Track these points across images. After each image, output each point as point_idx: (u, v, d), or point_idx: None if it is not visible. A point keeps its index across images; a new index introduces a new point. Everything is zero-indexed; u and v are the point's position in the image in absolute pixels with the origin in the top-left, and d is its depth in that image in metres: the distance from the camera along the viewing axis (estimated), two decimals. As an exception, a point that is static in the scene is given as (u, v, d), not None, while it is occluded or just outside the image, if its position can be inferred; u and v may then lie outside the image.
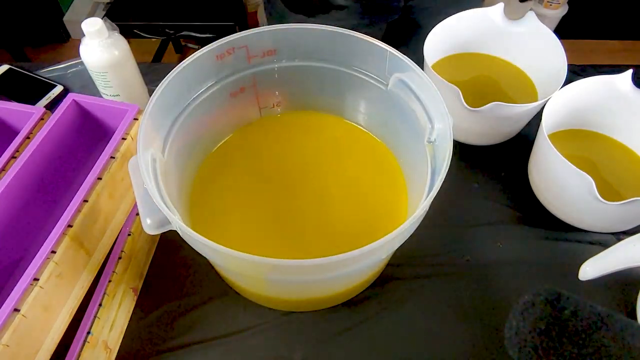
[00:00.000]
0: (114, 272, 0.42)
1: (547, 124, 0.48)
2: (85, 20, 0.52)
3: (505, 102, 0.48)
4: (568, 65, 0.52)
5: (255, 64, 0.46)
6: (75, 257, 0.38)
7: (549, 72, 0.54)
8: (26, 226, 0.43)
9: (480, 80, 0.61)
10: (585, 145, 0.56)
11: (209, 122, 0.47)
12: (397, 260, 0.48)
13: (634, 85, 0.51)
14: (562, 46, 0.52)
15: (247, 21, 1.49)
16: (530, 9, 0.56)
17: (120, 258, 0.43)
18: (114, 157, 0.43)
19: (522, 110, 0.51)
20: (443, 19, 0.58)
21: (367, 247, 0.30)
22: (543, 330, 0.33)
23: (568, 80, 0.51)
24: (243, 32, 0.42)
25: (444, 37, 0.58)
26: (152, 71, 0.69)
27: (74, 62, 0.70)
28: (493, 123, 0.53)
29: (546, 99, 0.49)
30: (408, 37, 0.61)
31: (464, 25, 0.59)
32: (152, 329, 0.45)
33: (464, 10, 0.58)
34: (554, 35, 0.53)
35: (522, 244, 0.51)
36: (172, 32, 1.43)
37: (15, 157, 0.43)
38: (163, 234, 0.48)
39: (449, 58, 0.62)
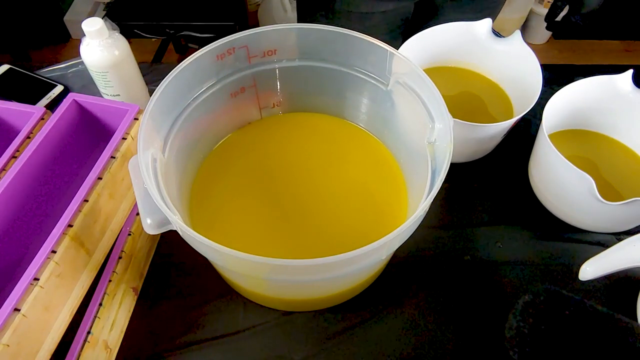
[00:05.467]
0: (114, 271, 0.42)
1: (547, 124, 0.48)
2: (86, 20, 0.52)
3: (483, 117, 0.48)
4: (568, 65, 0.52)
5: (255, 64, 0.46)
6: (76, 256, 0.38)
7: (526, 91, 0.53)
8: (26, 226, 0.44)
9: (460, 93, 0.61)
10: (586, 145, 0.56)
11: (209, 122, 0.47)
12: (397, 260, 0.48)
13: (634, 85, 0.51)
14: (541, 70, 0.52)
15: (247, 21, 1.49)
16: (518, 29, 0.55)
17: (120, 258, 0.43)
18: (114, 157, 0.43)
19: (500, 129, 0.51)
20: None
21: (367, 247, 0.30)
22: (543, 330, 0.33)
23: (569, 81, 0.52)
24: (243, 32, 0.42)
25: (424, 46, 0.58)
26: (152, 71, 0.69)
27: (75, 62, 0.70)
28: (469, 143, 0.53)
29: (521, 114, 0.50)
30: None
31: (446, 36, 0.58)
32: (152, 329, 0.45)
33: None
34: (535, 59, 0.53)
35: (522, 244, 0.51)
36: (172, 32, 1.43)
37: (15, 157, 0.43)
38: (163, 234, 0.48)
39: (427, 70, 0.61)
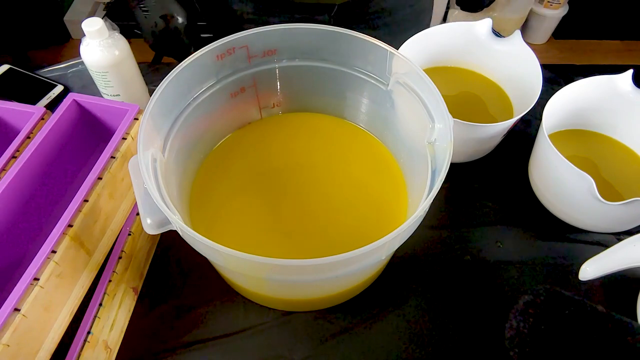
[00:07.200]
0: (114, 271, 0.42)
1: (547, 124, 0.48)
2: (86, 20, 0.52)
3: (483, 117, 0.48)
4: (568, 65, 0.52)
5: (255, 64, 0.46)
6: (76, 256, 0.38)
7: (526, 91, 0.53)
8: (26, 226, 0.44)
9: (460, 93, 0.61)
10: (586, 145, 0.56)
11: (209, 122, 0.47)
12: (397, 260, 0.48)
13: (634, 85, 0.51)
14: (541, 70, 0.52)
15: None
16: (518, 29, 0.55)
17: (120, 258, 0.43)
18: (114, 157, 0.43)
19: (500, 129, 0.51)
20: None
21: (367, 247, 0.30)
22: (543, 330, 0.33)
23: (569, 81, 0.52)
24: (243, 32, 0.42)
25: (424, 46, 0.58)
26: (152, 71, 0.69)
27: (75, 62, 0.70)
28: (469, 143, 0.53)
29: (521, 114, 0.50)
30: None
31: (446, 36, 0.58)
32: (152, 329, 0.45)
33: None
34: (535, 59, 0.53)
35: (522, 244, 0.51)
36: (172, 32, 1.43)
37: (15, 157, 0.43)
38: (163, 234, 0.48)
39: (427, 70, 0.61)
